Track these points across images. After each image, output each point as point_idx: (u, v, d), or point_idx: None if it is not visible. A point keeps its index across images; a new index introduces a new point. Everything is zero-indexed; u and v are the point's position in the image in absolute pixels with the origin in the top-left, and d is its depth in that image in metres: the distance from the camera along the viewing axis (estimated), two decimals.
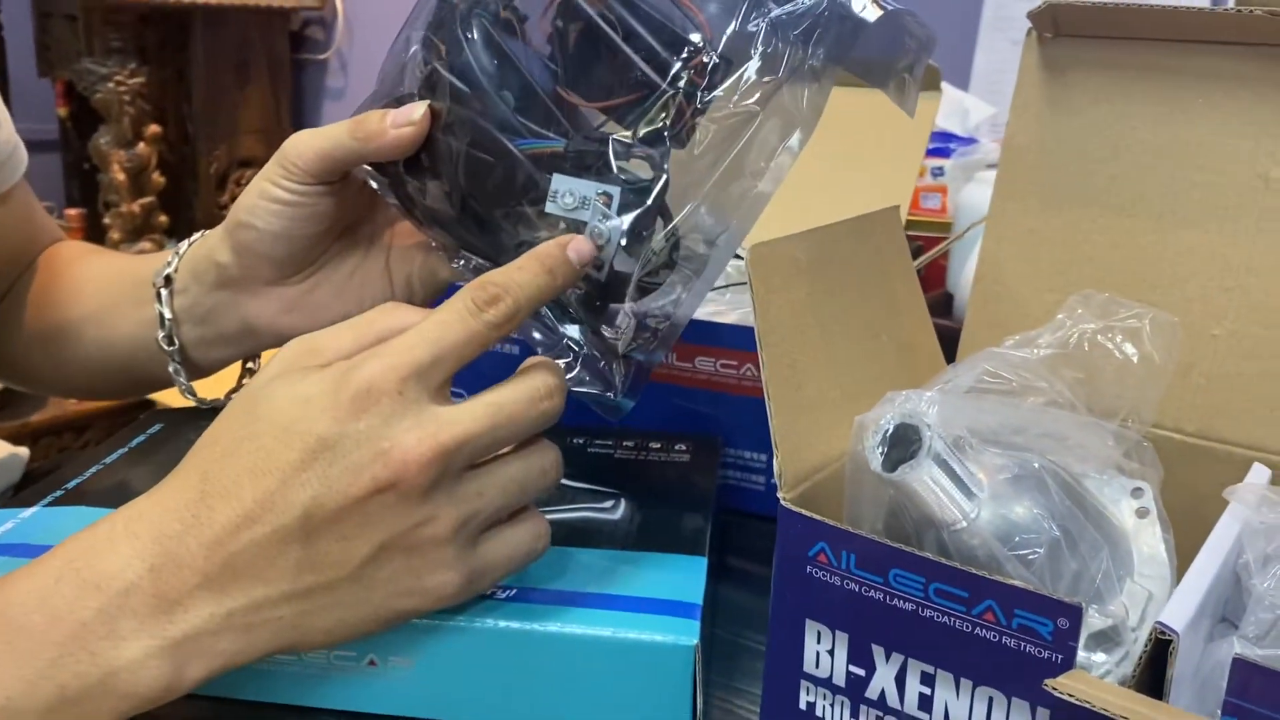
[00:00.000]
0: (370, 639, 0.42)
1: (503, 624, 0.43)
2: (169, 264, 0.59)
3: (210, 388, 0.62)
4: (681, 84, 0.44)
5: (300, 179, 0.51)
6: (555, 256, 0.43)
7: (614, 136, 0.44)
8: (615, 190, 0.44)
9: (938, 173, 1.13)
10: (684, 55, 0.44)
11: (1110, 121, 0.49)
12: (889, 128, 0.83)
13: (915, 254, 0.87)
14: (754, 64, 0.43)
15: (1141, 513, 0.41)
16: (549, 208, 0.45)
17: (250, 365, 0.63)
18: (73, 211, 2.01)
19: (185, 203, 1.97)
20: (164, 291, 0.58)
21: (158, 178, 1.91)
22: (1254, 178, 0.47)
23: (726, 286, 0.69)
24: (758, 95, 0.43)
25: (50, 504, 0.52)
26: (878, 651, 0.38)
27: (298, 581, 0.39)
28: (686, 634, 0.42)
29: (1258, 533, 0.39)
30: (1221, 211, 0.47)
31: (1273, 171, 0.46)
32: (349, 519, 0.39)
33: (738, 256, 0.70)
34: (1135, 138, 0.48)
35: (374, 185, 0.52)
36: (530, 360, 0.44)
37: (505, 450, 0.43)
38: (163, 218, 1.93)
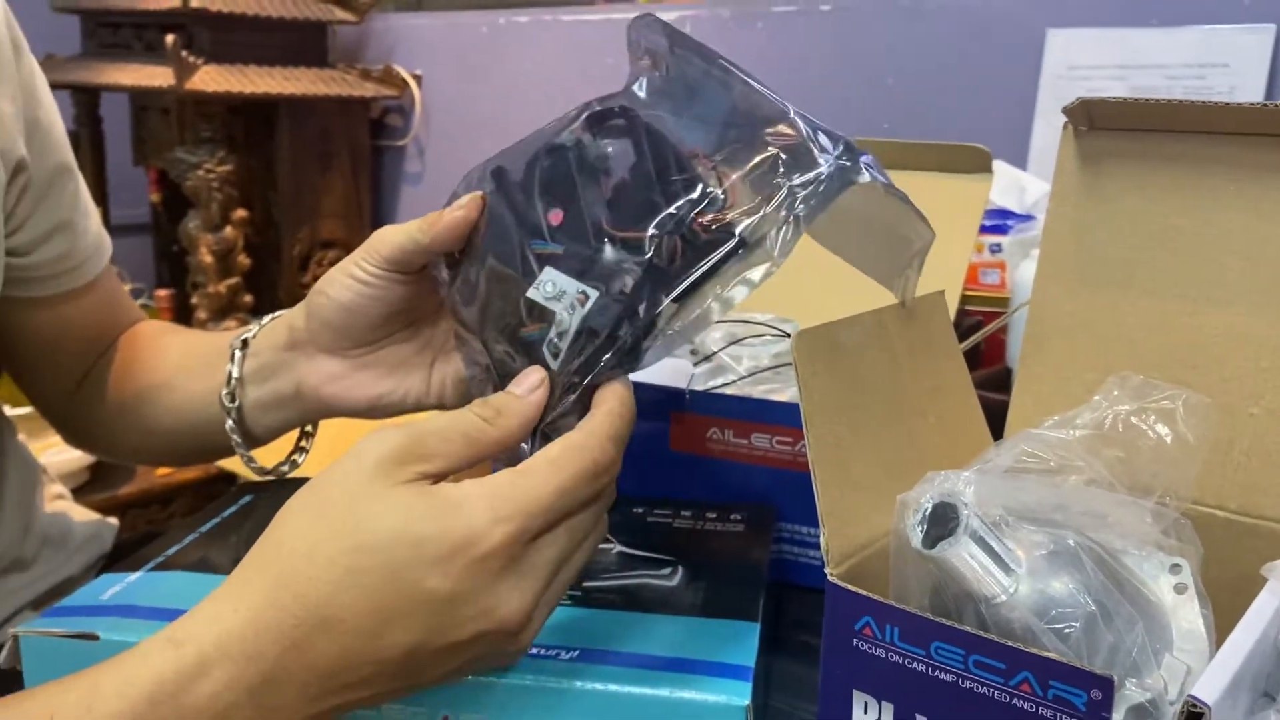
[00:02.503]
0: (445, 698, 0.46)
1: (566, 683, 0.46)
2: (251, 329, 0.64)
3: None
4: (689, 217, 0.46)
5: (378, 264, 0.56)
6: (631, 415, 0.46)
7: (607, 252, 0.47)
8: (594, 294, 0.47)
9: (995, 249, 1.15)
10: (693, 202, 0.46)
11: (1145, 209, 0.51)
12: (941, 211, 0.85)
13: (974, 329, 0.89)
14: (745, 203, 0.46)
15: (1180, 588, 0.43)
16: (530, 293, 0.48)
17: (308, 429, 0.67)
18: (162, 292, 2.11)
19: (269, 283, 2.05)
20: (239, 353, 0.63)
21: (243, 259, 1.99)
22: None
23: (778, 366, 0.71)
24: (742, 223, 0.45)
25: (153, 569, 0.56)
26: None
27: (390, 688, 0.43)
28: (739, 695, 0.44)
29: None
30: (1255, 294, 0.49)
31: None
32: (448, 654, 0.42)
33: (787, 335, 0.72)
34: (1170, 224, 0.50)
35: (437, 284, 0.56)
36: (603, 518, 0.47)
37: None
38: (247, 298, 2.01)
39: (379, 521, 0.41)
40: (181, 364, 0.71)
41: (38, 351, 0.74)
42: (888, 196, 0.47)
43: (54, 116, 0.71)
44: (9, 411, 0.78)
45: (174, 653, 0.40)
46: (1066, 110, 0.51)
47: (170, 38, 1.79)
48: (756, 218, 0.45)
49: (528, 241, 0.49)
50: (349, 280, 0.57)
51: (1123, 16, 1.36)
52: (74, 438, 0.79)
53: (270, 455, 0.66)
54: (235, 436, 0.64)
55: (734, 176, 0.46)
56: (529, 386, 0.47)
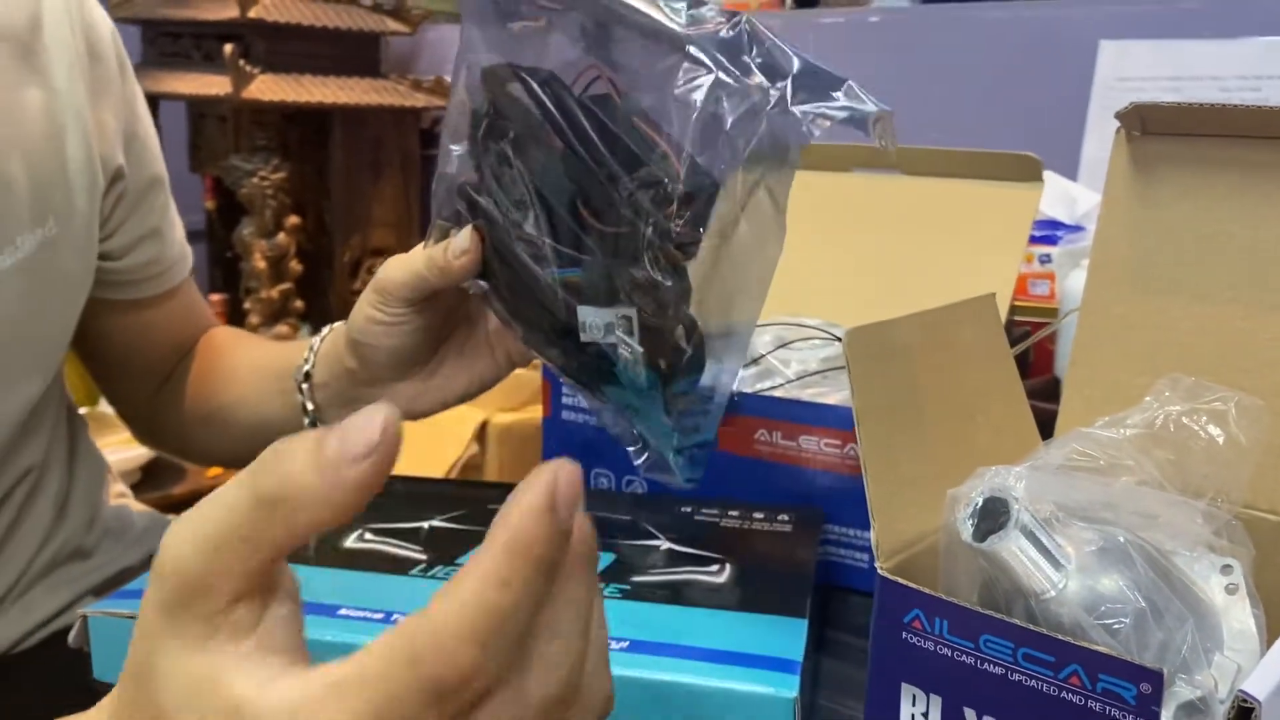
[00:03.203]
0: None
1: (618, 672, 0.46)
2: (306, 361, 0.66)
3: None
4: (655, 224, 0.47)
5: (394, 305, 0.58)
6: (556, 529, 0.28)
7: (617, 266, 0.48)
8: (632, 312, 0.48)
9: (1045, 260, 1.14)
10: (656, 195, 0.47)
11: (1197, 213, 0.51)
12: (992, 218, 0.85)
13: (1022, 340, 0.89)
14: (721, 176, 0.46)
15: (1231, 589, 0.43)
16: (584, 337, 0.49)
17: None
18: (216, 297, 2.15)
19: (320, 290, 2.08)
20: (304, 385, 0.66)
21: (295, 266, 2.03)
22: None
23: (826, 370, 0.72)
24: (736, 200, 0.46)
25: None
26: (969, 714, 0.40)
27: None
28: (787, 687, 0.45)
29: None
30: None
31: None
32: None
33: (838, 339, 0.73)
34: (1222, 229, 0.50)
35: (478, 294, 0.57)
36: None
37: None
38: (299, 303, 2.04)
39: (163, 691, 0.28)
40: (254, 383, 0.74)
41: (121, 354, 0.79)
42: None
43: (150, 130, 0.76)
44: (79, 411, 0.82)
45: None
46: (1120, 115, 0.52)
47: (228, 47, 1.83)
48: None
49: (543, 269, 0.50)
50: (377, 326, 0.59)
51: (1176, 28, 1.35)
52: (149, 438, 0.83)
53: None
54: None
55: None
56: (349, 463, 0.27)
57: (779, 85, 0.45)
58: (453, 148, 0.54)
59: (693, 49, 0.46)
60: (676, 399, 0.50)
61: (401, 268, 0.57)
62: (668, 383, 0.49)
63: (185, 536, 0.27)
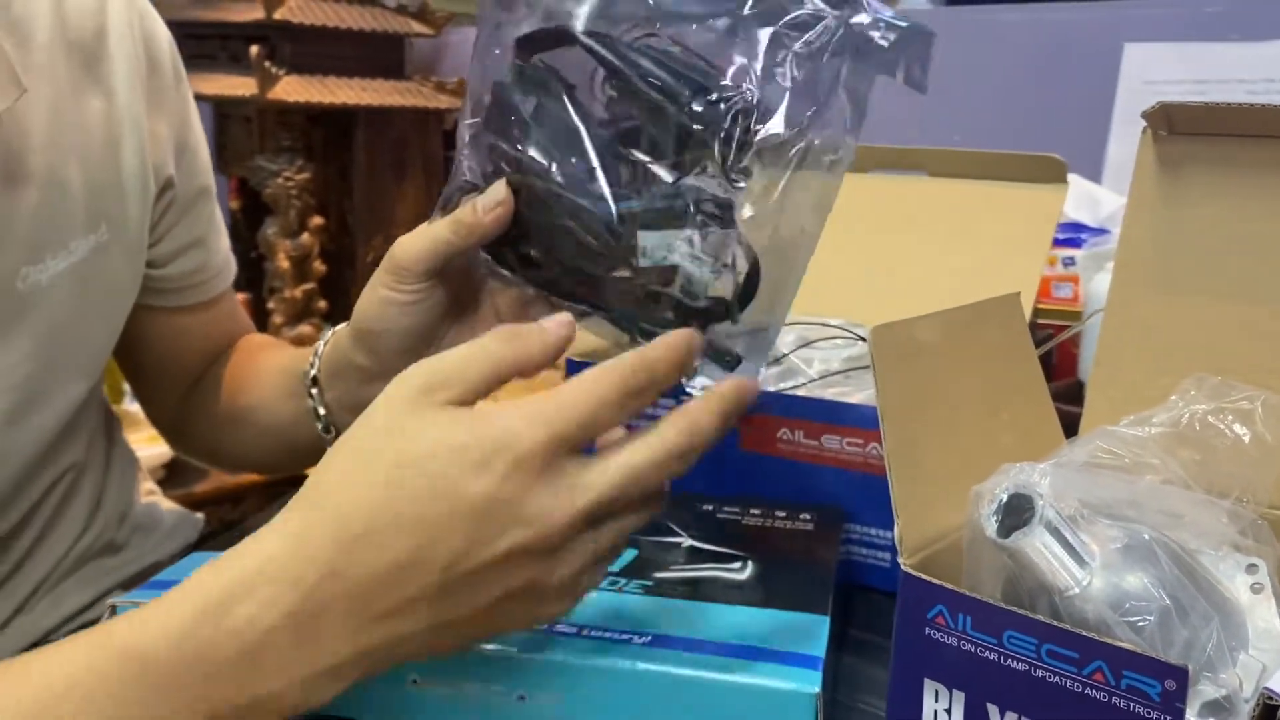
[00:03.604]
0: (523, 677, 0.47)
1: (641, 666, 0.47)
2: (311, 365, 0.66)
3: None
4: (727, 128, 0.48)
5: (414, 281, 0.57)
6: (685, 361, 0.45)
7: (685, 185, 0.49)
8: (695, 234, 0.48)
9: (1069, 263, 1.14)
10: (726, 101, 0.48)
11: (1224, 214, 0.51)
12: (1016, 219, 0.85)
13: (1045, 342, 0.89)
14: (787, 98, 0.47)
15: (1256, 588, 0.42)
16: (642, 262, 0.49)
17: None
18: (240, 296, 2.16)
19: (343, 290, 2.09)
20: (314, 390, 0.66)
21: (319, 265, 2.04)
22: None
23: (849, 370, 0.72)
24: (798, 126, 0.47)
25: None
26: (992, 710, 0.40)
27: (430, 623, 0.41)
28: (809, 683, 0.45)
29: None
30: None
31: None
32: (486, 573, 0.41)
33: (861, 339, 0.73)
34: (1248, 229, 0.50)
35: (484, 268, 0.57)
36: (669, 420, 0.44)
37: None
38: (322, 303, 2.05)
39: (416, 439, 0.41)
40: (271, 386, 0.74)
41: (157, 358, 0.80)
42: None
43: (201, 141, 0.77)
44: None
45: (215, 576, 0.40)
46: (1146, 115, 0.52)
47: (254, 48, 1.84)
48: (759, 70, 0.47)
49: (594, 206, 0.50)
50: (392, 309, 0.58)
51: (1202, 31, 1.34)
52: (180, 444, 0.84)
53: None
54: None
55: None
56: (558, 322, 0.46)
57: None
58: (471, 119, 0.54)
59: None
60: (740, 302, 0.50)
61: (419, 239, 0.56)
62: (725, 309, 0.50)
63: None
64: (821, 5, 0.47)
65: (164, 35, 0.73)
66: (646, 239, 0.49)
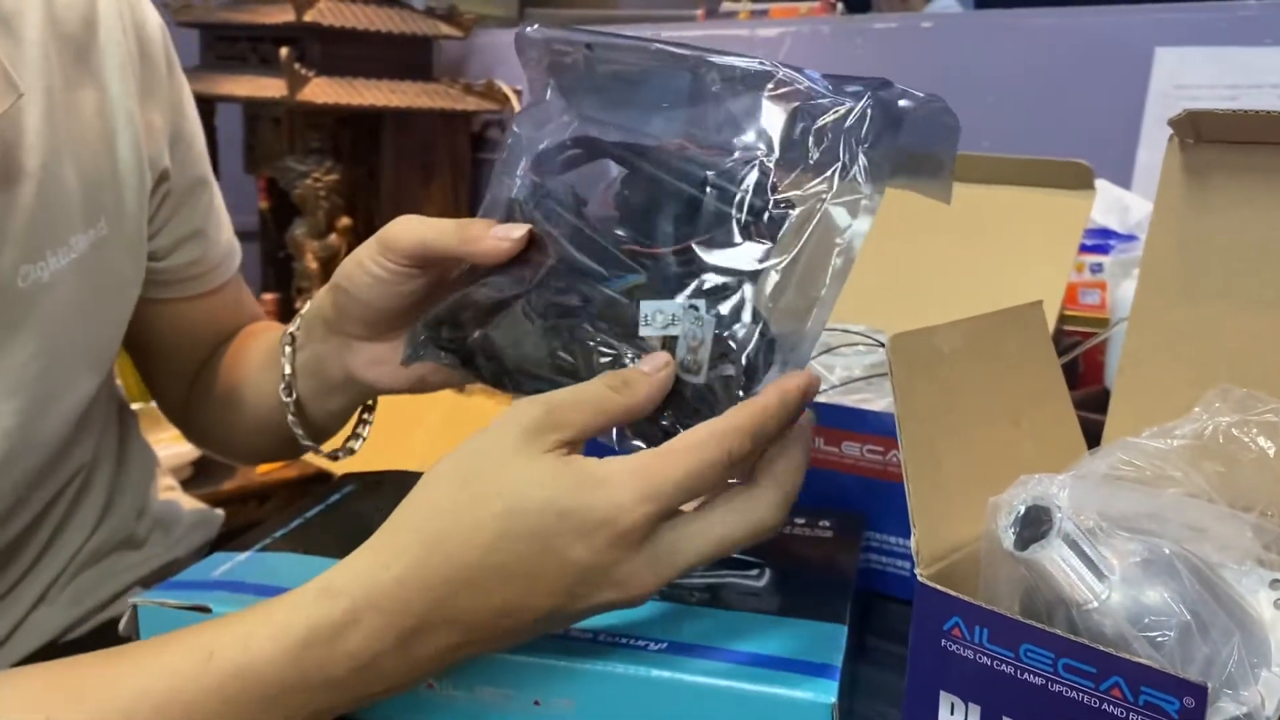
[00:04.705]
0: (538, 683, 0.48)
1: (655, 673, 0.46)
2: (296, 323, 0.66)
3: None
4: (747, 202, 0.48)
5: (395, 261, 0.56)
6: (795, 410, 0.47)
7: (694, 249, 0.49)
8: (700, 301, 0.48)
9: (1097, 269, 1.13)
10: (743, 178, 0.48)
11: (1251, 222, 0.50)
12: (1042, 226, 0.85)
13: (1072, 349, 0.88)
14: (811, 162, 0.47)
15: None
16: (643, 331, 0.49)
17: (365, 417, 0.69)
18: (268, 296, 2.18)
19: None
20: (289, 349, 0.65)
21: None
22: None
23: (871, 377, 0.71)
24: (820, 186, 0.47)
25: (261, 549, 0.59)
26: None
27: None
28: (825, 692, 0.45)
29: None
30: None
31: None
32: (577, 616, 0.46)
33: (883, 345, 0.72)
34: (1276, 237, 0.50)
35: (445, 362, 0.57)
36: (765, 497, 0.46)
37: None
38: None
39: (528, 490, 0.43)
40: (258, 362, 0.74)
41: (162, 348, 0.79)
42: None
43: (196, 131, 0.76)
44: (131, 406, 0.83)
45: (328, 604, 0.43)
46: (1173, 122, 0.51)
47: (284, 50, 1.85)
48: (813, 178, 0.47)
49: (599, 283, 0.51)
50: (366, 277, 0.57)
51: (1234, 35, 1.33)
52: (191, 434, 0.84)
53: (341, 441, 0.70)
54: (297, 429, 0.67)
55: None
56: (656, 365, 0.48)
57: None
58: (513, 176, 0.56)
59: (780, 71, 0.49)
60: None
61: (418, 224, 0.56)
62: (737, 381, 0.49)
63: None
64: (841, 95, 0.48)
65: (155, 23, 0.71)
66: (647, 307, 0.49)
